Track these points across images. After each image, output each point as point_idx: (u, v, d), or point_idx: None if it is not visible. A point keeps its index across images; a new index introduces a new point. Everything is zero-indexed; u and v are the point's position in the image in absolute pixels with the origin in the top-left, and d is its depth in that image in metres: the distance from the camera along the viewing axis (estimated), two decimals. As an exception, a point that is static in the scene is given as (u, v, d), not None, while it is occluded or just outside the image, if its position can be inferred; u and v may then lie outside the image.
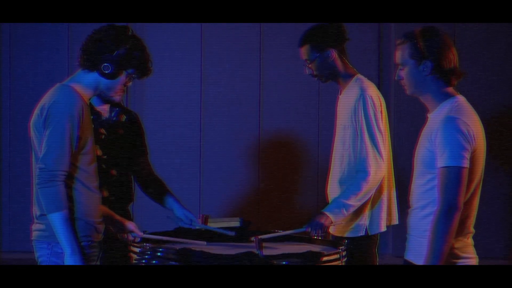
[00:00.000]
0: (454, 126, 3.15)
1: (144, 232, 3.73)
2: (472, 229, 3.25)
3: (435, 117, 3.26)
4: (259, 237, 3.59)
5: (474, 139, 3.16)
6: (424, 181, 3.23)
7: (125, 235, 3.69)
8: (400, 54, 3.32)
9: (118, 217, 3.71)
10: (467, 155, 3.13)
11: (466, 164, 3.12)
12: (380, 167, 3.96)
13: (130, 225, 3.70)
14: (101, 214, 3.45)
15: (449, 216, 3.09)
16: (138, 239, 3.67)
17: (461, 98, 3.28)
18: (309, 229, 3.85)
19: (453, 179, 3.10)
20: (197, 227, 3.91)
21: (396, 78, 3.37)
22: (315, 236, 3.85)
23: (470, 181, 3.16)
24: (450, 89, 3.30)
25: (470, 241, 3.26)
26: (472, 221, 3.24)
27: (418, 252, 3.23)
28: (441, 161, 3.14)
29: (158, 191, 4.07)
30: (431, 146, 3.20)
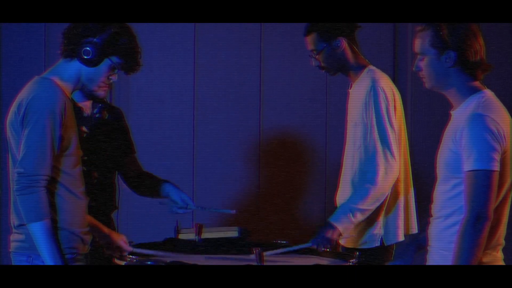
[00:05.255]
0: (482, 124, 3.13)
1: (130, 243, 3.73)
2: (502, 241, 3.24)
3: (460, 114, 3.24)
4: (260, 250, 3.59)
5: (505, 139, 3.15)
6: (449, 187, 3.22)
7: (112, 251, 3.68)
8: (420, 42, 3.31)
9: (106, 229, 3.73)
10: (497, 156, 3.12)
11: (496, 167, 3.11)
12: (392, 168, 3.95)
13: (119, 240, 3.70)
14: (87, 223, 3.45)
15: (477, 226, 3.08)
16: (126, 253, 3.68)
17: (489, 93, 3.27)
18: (315, 246, 3.84)
19: (482, 184, 3.09)
20: (193, 209, 3.95)
21: (414, 69, 3.36)
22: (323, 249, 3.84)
23: (500, 186, 3.15)
24: (477, 83, 3.29)
25: (500, 254, 3.25)
26: (502, 231, 3.23)
27: (440, 266, 3.21)
28: (468, 164, 3.12)
29: (151, 184, 4.09)
30: (455, 147, 3.19)
